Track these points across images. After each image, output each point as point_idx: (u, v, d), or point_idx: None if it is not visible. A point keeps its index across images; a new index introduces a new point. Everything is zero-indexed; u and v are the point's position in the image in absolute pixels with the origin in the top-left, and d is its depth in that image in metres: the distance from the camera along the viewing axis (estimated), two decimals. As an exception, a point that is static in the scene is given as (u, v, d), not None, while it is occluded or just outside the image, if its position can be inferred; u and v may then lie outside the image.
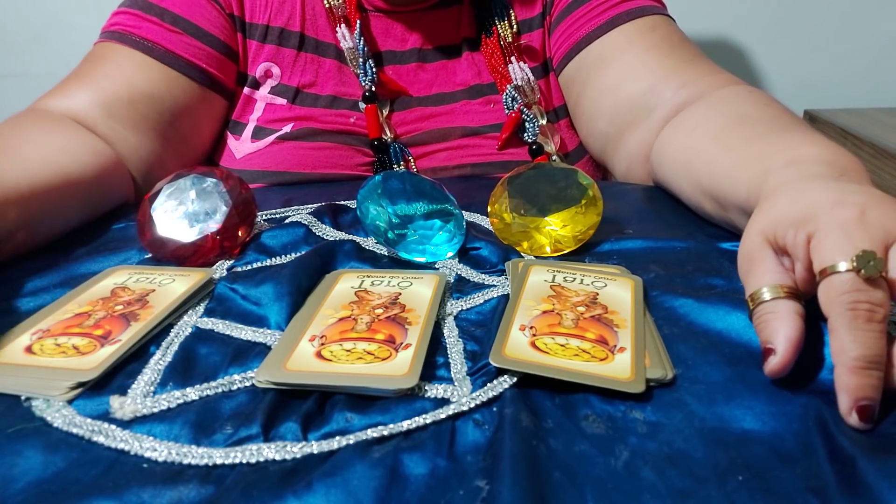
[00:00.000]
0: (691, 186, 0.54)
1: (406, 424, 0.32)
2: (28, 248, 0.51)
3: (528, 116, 0.72)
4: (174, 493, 0.28)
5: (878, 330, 0.31)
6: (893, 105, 1.28)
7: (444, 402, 0.33)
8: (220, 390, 0.35)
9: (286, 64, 0.73)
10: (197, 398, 0.34)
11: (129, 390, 0.35)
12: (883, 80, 1.31)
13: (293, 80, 0.73)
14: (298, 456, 0.30)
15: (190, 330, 0.40)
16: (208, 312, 0.42)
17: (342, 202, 0.60)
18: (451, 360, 0.37)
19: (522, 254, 0.49)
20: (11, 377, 0.35)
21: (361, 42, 0.72)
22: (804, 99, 1.30)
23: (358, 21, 0.72)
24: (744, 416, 0.32)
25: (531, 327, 0.38)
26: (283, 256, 0.50)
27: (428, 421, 0.32)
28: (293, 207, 0.60)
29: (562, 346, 0.36)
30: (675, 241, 0.50)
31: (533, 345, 0.36)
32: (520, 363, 0.35)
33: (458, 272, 0.47)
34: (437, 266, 0.48)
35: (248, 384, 0.35)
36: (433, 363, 0.37)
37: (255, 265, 0.49)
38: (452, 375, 0.36)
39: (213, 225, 0.49)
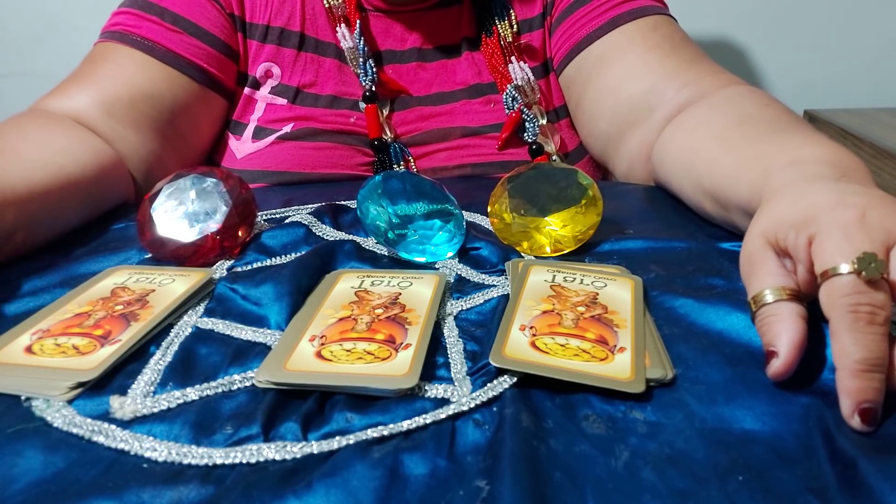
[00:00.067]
0: (692, 186, 0.54)
1: (406, 424, 0.31)
2: (27, 248, 0.51)
3: (528, 116, 0.72)
4: (174, 494, 0.28)
5: (880, 332, 0.31)
6: (893, 105, 1.28)
7: (444, 402, 0.33)
8: (220, 390, 0.35)
9: (286, 64, 0.73)
10: (197, 398, 0.34)
11: (129, 390, 0.35)
12: (883, 80, 1.31)
13: (293, 79, 0.73)
14: (298, 456, 0.30)
15: (190, 330, 0.40)
16: (208, 312, 0.42)
17: (342, 202, 0.60)
18: (451, 360, 0.37)
19: (522, 254, 0.49)
20: (11, 377, 0.35)
21: (361, 42, 0.71)
22: (804, 99, 1.30)
23: (357, 21, 0.72)
24: (744, 416, 0.32)
25: (531, 327, 0.38)
26: (283, 256, 0.50)
27: (428, 421, 0.32)
28: (293, 207, 0.60)
29: (562, 346, 0.36)
30: (676, 242, 0.50)
31: (533, 345, 0.36)
32: (520, 363, 0.35)
33: (458, 272, 0.47)
34: (437, 266, 0.48)
35: (248, 384, 0.35)
36: (433, 363, 0.37)
37: (255, 265, 0.49)
38: (452, 375, 0.36)
39: (213, 225, 0.49)
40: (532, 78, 0.73)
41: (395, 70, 0.74)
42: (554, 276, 0.44)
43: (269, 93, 0.73)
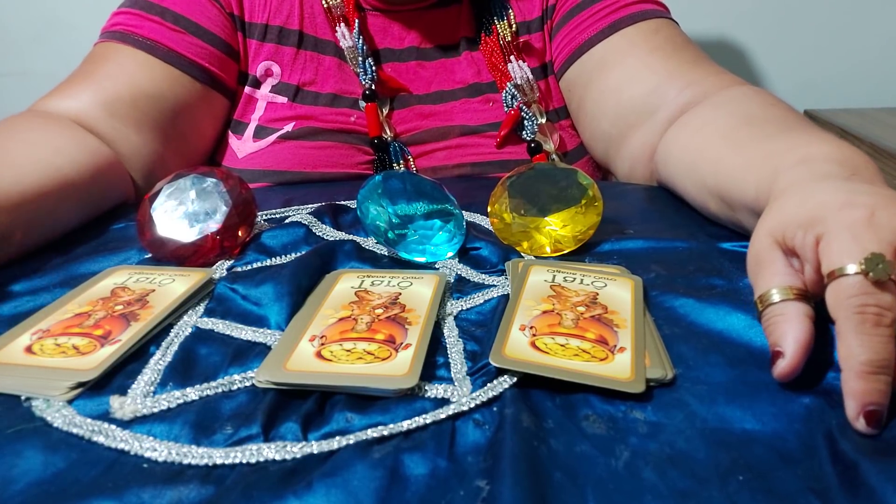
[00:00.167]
0: (697, 186, 0.54)
1: (406, 424, 0.31)
2: (26, 248, 0.51)
3: (527, 114, 0.72)
4: (174, 494, 0.28)
5: (887, 334, 0.31)
6: (893, 105, 1.28)
7: (444, 402, 0.33)
8: (220, 390, 0.35)
9: (286, 62, 0.73)
10: (197, 398, 0.34)
11: (129, 390, 0.34)
12: (883, 80, 1.31)
13: (293, 77, 0.73)
14: (298, 456, 0.30)
15: (190, 330, 0.40)
16: (208, 312, 0.42)
17: (342, 202, 0.60)
18: (451, 360, 0.37)
19: (522, 254, 0.49)
20: (11, 377, 0.35)
21: (360, 41, 0.72)
22: (804, 99, 1.30)
23: (356, 20, 0.72)
24: (745, 416, 0.32)
25: (531, 327, 0.38)
26: (283, 256, 0.50)
27: (428, 421, 0.32)
28: (293, 207, 0.60)
29: (562, 346, 0.36)
30: (676, 242, 0.50)
31: (533, 345, 0.36)
32: (520, 363, 0.35)
33: (458, 272, 0.47)
34: (437, 266, 0.48)
35: (248, 384, 0.35)
36: (433, 363, 0.37)
37: (255, 265, 0.48)
38: (452, 375, 0.36)
39: (213, 225, 0.49)
40: (531, 77, 0.73)
41: (395, 68, 0.74)
42: (554, 276, 0.44)
43: (270, 91, 0.73)
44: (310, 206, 0.59)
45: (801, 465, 0.29)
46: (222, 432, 0.31)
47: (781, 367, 0.33)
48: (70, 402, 0.34)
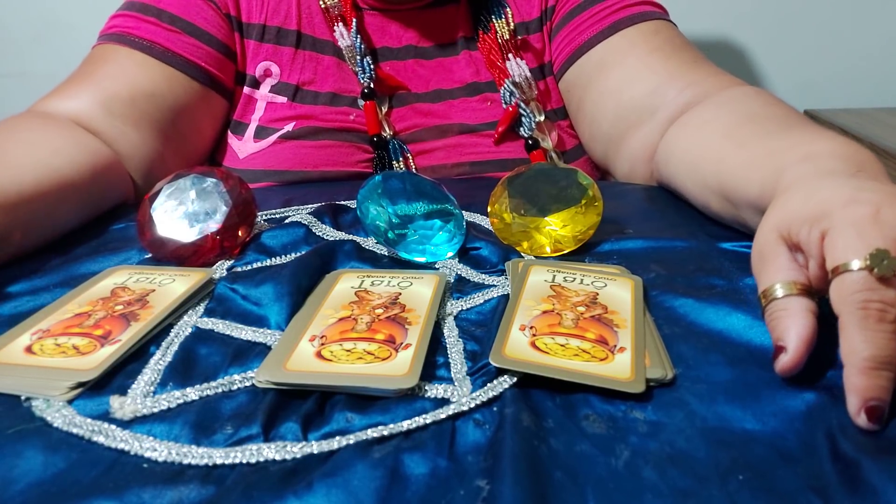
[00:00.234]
0: (698, 185, 0.54)
1: (406, 424, 0.31)
2: (26, 248, 0.51)
3: (524, 111, 0.72)
4: (175, 494, 0.28)
5: (890, 330, 0.31)
6: (893, 105, 1.28)
7: (444, 402, 0.33)
8: (220, 390, 0.35)
9: (285, 62, 0.73)
10: (197, 398, 0.34)
11: (129, 390, 0.34)
12: (883, 80, 1.31)
13: (292, 77, 0.73)
14: (299, 456, 0.30)
15: (190, 330, 0.40)
16: (208, 312, 0.42)
17: (342, 202, 0.60)
18: (451, 360, 0.37)
19: (522, 254, 0.49)
20: (11, 377, 0.35)
21: (358, 40, 0.72)
22: (804, 99, 1.30)
23: (353, 19, 0.72)
24: (745, 415, 0.32)
25: (531, 327, 0.38)
26: (283, 256, 0.50)
27: (428, 421, 0.32)
28: (293, 207, 0.60)
29: (562, 346, 0.36)
30: (676, 241, 0.50)
31: (533, 345, 0.36)
32: (520, 363, 0.35)
33: (458, 272, 0.47)
34: (437, 266, 0.48)
35: (248, 384, 0.35)
36: (433, 363, 0.37)
37: (255, 265, 0.48)
38: (452, 375, 0.36)
39: (213, 225, 0.49)
40: (529, 75, 0.73)
41: (393, 67, 0.75)
42: (554, 276, 0.44)
43: (269, 91, 0.73)
44: (310, 206, 0.59)
45: (801, 463, 0.29)
46: (222, 432, 0.31)
47: (784, 361, 0.33)
48: (70, 402, 0.34)
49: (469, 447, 0.30)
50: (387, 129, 0.73)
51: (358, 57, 0.72)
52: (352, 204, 0.59)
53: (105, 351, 0.37)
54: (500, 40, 0.74)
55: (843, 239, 0.33)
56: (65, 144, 0.58)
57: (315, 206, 0.58)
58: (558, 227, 0.49)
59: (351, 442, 0.30)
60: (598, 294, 0.42)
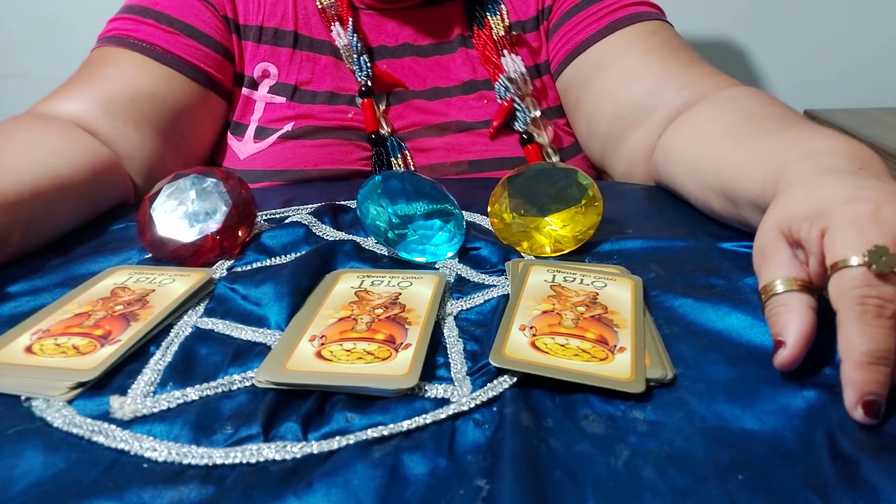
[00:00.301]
0: (698, 184, 0.54)
1: (406, 424, 0.31)
2: (25, 248, 0.51)
3: (519, 107, 0.73)
4: (175, 494, 0.28)
5: (888, 326, 0.31)
6: (893, 105, 1.28)
7: (444, 402, 0.33)
8: (220, 390, 0.35)
9: (283, 62, 0.73)
10: (197, 398, 0.34)
11: (129, 390, 0.34)
12: (883, 80, 1.31)
13: (290, 77, 0.73)
14: (298, 456, 0.30)
15: (190, 330, 0.40)
16: (208, 312, 0.42)
17: (342, 202, 0.60)
18: (451, 360, 0.37)
19: (522, 254, 0.49)
20: (11, 377, 0.35)
21: (355, 39, 0.72)
22: (804, 99, 1.30)
23: (350, 18, 0.72)
24: (744, 414, 0.32)
25: (531, 327, 0.38)
26: (283, 256, 0.50)
27: (428, 421, 0.32)
28: (293, 207, 0.60)
29: (562, 346, 0.36)
30: (676, 241, 0.50)
31: (533, 345, 0.36)
32: (520, 363, 0.35)
33: (458, 272, 0.47)
34: (437, 266, 0.48)
35: (248, 384, 0.35)
36: (433, 363, 0.37)
37: (255, 265, 0.49)
38: (452, 375, 0.36)
39: (213, 225, 0.49)
40: (524, 71, 0.73)
41: (390, 65, 0.75)
42: (554, 276, 0.44)
43: (268, 92, 0.73)
44: (310, 206, 0.59)
45: (800, 462, 0.29)
46: (222, 432, 0.31)
47: (783, 356, 0.33)
48: (70, 402, 0.34)
49: (469, 447, 0.30)
50: (385, 126, 0.73)
51: (355, 55, 0.72)
52: (352, 204, 0.59)
53: (105, 351, 0.37)
54: (494, 36, 0.74)
55: (842, 236, 0.33)
56: (64, 145, 0.58)
57: (315, 206, 0.58)
58: (558, 227, 0.49)
59: (351, 442, 0.30)
60: (598, 294, 0.42)
